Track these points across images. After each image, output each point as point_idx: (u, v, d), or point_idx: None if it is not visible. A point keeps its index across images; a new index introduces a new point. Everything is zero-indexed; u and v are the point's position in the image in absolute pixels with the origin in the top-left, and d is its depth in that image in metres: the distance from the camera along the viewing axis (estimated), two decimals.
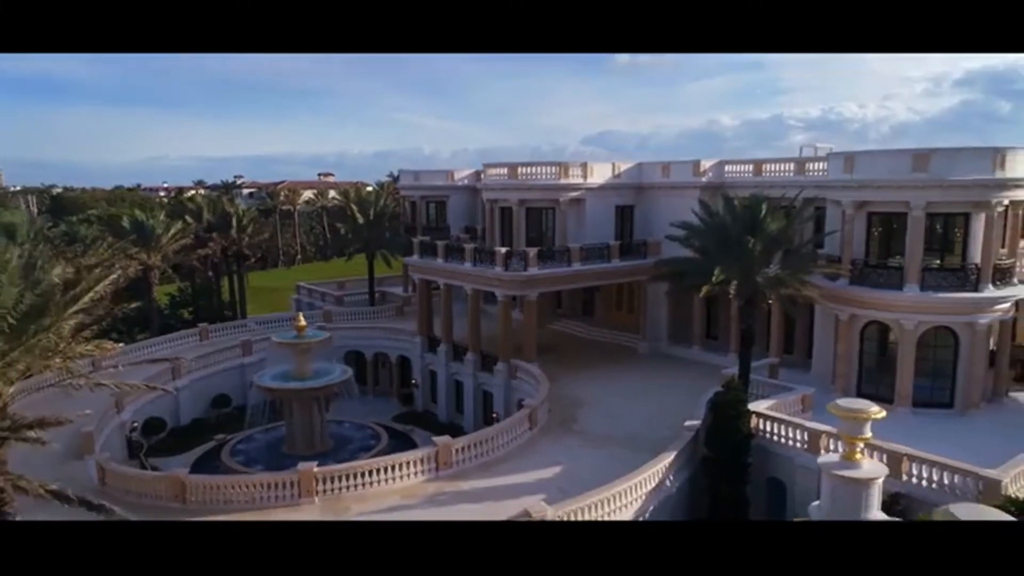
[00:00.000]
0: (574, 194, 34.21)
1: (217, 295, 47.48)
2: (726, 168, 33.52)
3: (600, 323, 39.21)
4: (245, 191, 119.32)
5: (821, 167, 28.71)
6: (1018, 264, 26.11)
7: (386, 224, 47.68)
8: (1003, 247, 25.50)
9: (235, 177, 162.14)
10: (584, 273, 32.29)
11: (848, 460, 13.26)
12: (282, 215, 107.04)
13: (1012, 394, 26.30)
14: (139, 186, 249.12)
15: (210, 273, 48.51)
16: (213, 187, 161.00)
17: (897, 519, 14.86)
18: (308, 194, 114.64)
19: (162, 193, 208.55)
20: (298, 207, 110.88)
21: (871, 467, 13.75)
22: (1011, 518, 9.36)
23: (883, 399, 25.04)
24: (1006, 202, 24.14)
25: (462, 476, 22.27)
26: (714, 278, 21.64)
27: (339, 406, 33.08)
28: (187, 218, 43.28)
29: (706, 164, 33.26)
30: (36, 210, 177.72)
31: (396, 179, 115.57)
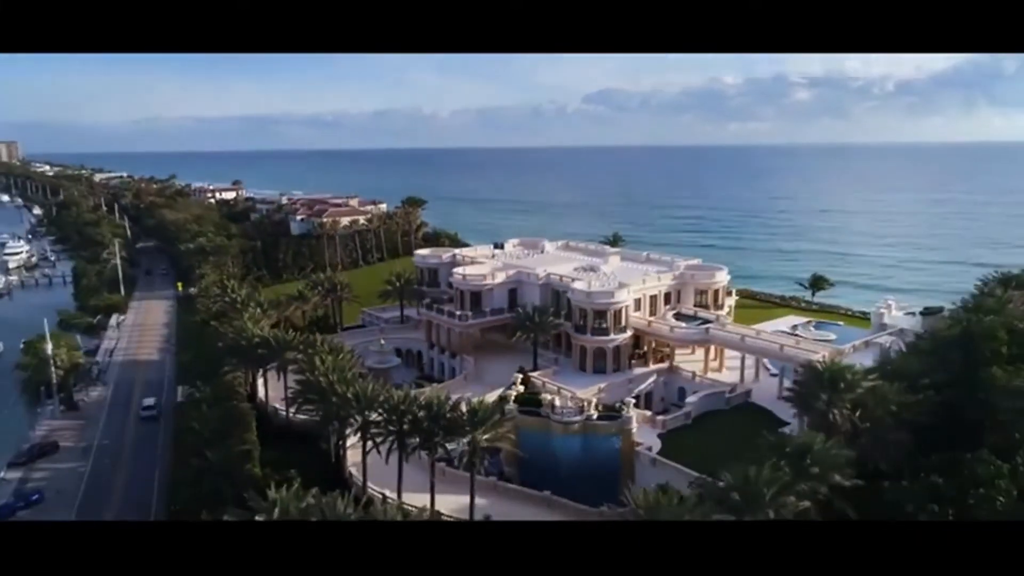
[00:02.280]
0: (490, 283, 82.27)
1: (325, 316, 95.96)
2: (551, 275, 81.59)
3: (509, 337, 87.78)
4: (297, 217, 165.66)
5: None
6: (646, 319, 74.52)
7: (408, 283, 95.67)
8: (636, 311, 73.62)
9: (284, 196, 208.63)
10: (492, 321, 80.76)
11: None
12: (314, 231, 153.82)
13: (635, 366, 74.66)
14: (188, 185, 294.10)
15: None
16: (266, 200, 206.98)
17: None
18: (345, 220, 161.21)
19: (209, 195, 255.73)
20: (338, 231, 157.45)
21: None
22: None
23: (596, 371, 74.09)
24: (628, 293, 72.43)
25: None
26: (519, 332, 70.05)
27: (394, 374, 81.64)
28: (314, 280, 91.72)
29: (541, 273, 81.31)
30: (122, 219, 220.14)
31: (405, 204, 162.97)
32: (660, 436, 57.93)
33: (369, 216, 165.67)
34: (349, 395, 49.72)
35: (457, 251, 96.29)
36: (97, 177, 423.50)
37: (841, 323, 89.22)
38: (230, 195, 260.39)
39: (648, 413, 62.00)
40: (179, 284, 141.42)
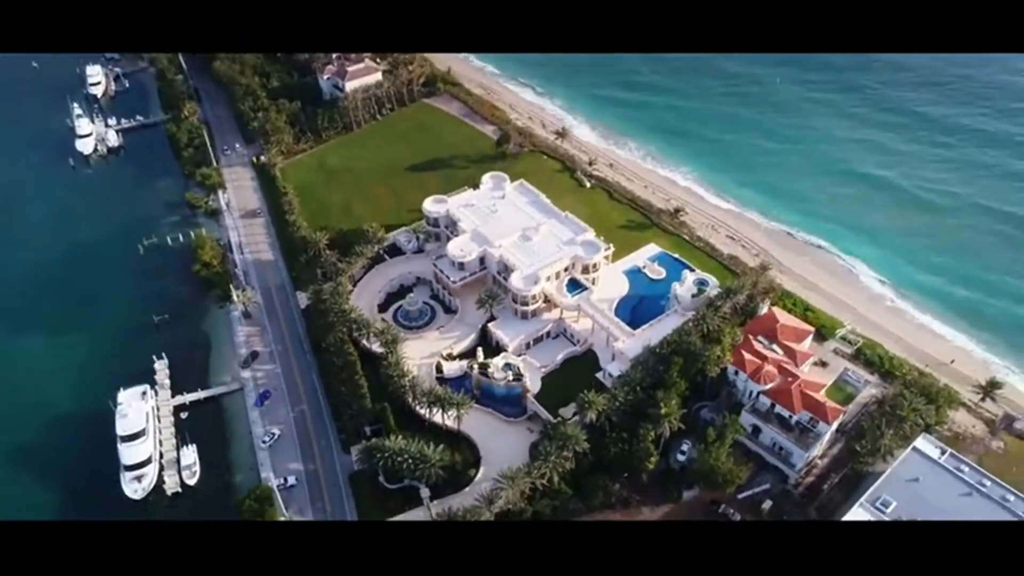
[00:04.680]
0: (469, 258, 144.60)
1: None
2: (502, 254, 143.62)
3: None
4: (324, 76, 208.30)
5: None
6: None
7: (420, 225, 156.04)
8: None
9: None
10: (471, 278, 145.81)
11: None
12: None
13: (545, 313, 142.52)
14: None
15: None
16: None
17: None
18: (365, 81, 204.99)
19: None
20: (359, 99, 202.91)
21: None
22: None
23: (523, 318, 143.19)
24: None
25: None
26: (482, 304, 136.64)
27: (417, 295, 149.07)
28: None
29: (496, 254, 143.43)
30: None
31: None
32: (542, 379, 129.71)
33: (380, 78, 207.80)
34: (404, 383, 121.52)
35: (447, 198, 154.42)
36: None
37: (696, 268, 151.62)
38: None
39: (538, 364, 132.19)
40: (255, 159, 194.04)
